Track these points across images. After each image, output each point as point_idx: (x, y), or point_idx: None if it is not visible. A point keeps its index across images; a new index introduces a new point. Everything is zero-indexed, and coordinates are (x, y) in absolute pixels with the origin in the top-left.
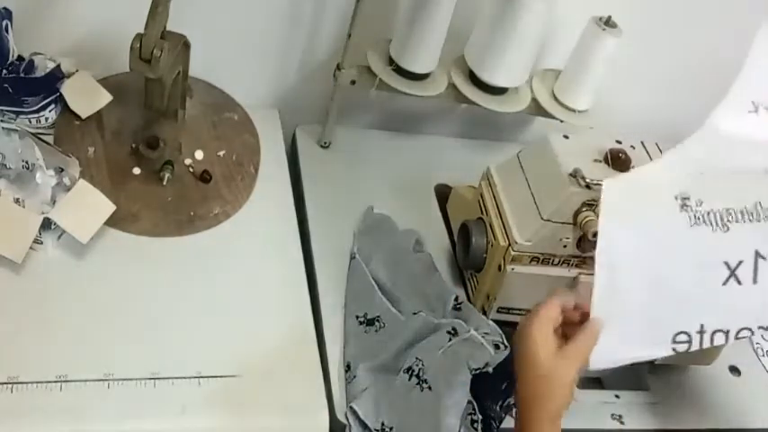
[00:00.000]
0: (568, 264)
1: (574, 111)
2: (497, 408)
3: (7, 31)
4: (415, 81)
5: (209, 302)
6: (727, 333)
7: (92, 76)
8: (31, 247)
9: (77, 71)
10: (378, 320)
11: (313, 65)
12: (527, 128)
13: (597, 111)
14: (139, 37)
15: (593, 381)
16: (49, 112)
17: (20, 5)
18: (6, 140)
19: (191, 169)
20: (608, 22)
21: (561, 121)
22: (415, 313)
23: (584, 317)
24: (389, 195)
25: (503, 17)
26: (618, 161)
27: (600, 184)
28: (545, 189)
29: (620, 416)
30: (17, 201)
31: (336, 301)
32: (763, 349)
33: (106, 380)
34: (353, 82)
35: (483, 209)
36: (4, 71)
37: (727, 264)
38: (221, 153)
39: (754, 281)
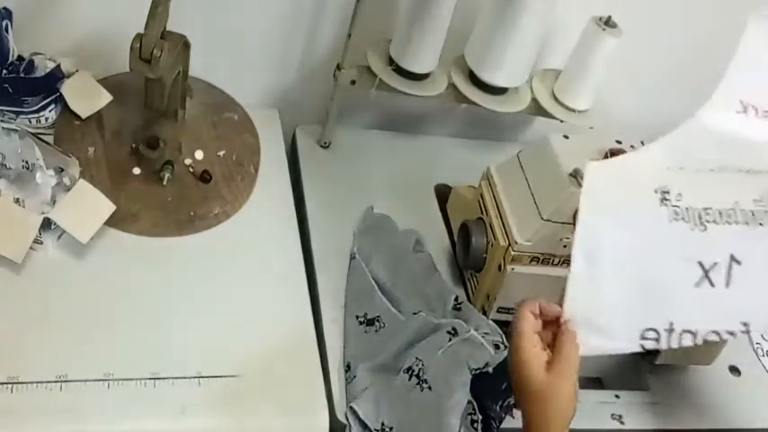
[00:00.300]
0: (568, 264)
1: (574, 111)
2: (497, 408)
3: (7, 31)
4: (415, 81)
5: (209, 302)
6: (695, 334)
7: (92, 76)
8: (31, 247)
9: (77, 71)
10: (378, 320)
11: (313, 65)
12: (527, 128)
13: (597, 111)
14: (139, 37)
15: (594, 381)
16: (49, 112)
17: (20, 5)
18: (6, 140)
19: (191, 169)
20: (608, 22)
21: (561, 121)
22: (415, 313)
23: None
24: (389, 195)
25: (503, 17)
26: None
27: None
28: (545, 189)
29: (620, 416)
30: (17, 201)
31: (336, 301)
32: (763, 349)
33: (106, 380)
34: (353, 82)
35: (483, 209)
36: (4, 71)
37: (701, 264)
38: (221, 153)
39: (727, 285)
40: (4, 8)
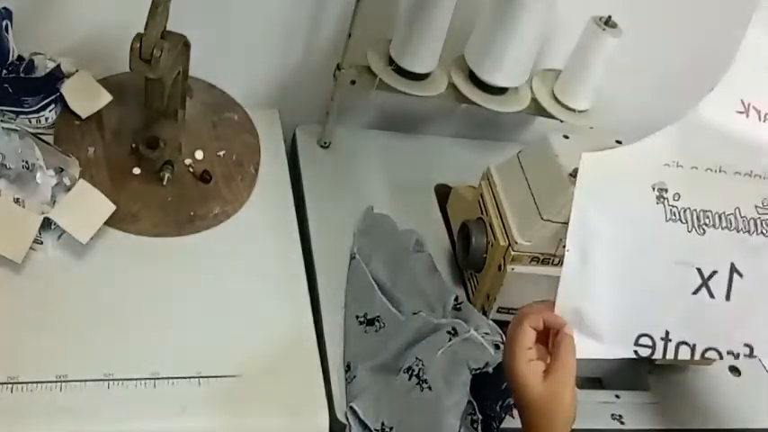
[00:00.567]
0: None
1: (574, 111)
2: (497, 408)
3: (7, 31)
4: (415, 81)
5: (209, 302)
6: (693, 348)
7: (92, 76)
8: (31, 247)
9: (77, 71)
10: (378, 320)
11: (313, 65)
12: (527, 128)
13: (597, 111)
14: (139, 37)
15: (594, 381)
16: (49, 112)
17: (20, 5)
18: (6, 140)
19: (191, 169)
20: (608, 22)
21: (561, 121)
22: (415, 313)
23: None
24: (389, 195)
25: (503, 17)
26: None
27: None
28: (545, 189)
29: (620, 416)
30: (17, 201)
31: (336, 301)
32: None
33: (106, 380)
34: (353, 82)
35: (483, 209)
36: (4, 71)
37: (700, 271)
38: (221, 153)
39: (727, 298)
40: (4, 8)
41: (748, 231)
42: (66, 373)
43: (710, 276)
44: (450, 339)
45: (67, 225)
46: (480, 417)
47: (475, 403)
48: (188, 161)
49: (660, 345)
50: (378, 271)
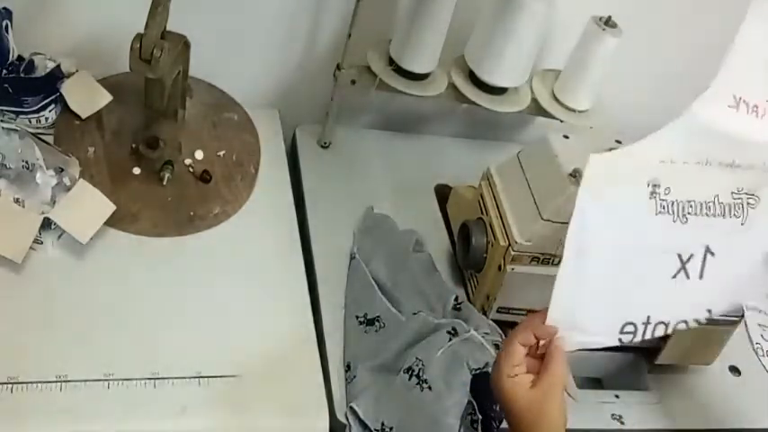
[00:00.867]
0: None
1: (574, 111)
2: (497, 408)
3: (7, 31)
4: (415, 81)
5: (209, 302)
6: (667, 325)
7: (92, 76)
8: (31, 247)
9: (77, 71)
10: (378, 320)
11: (313, 65)
12: (527, 128)
13: (597, 111)
14: (139, 37)
15: (594, 381)
16: (49, 112)
17: (20, 5)
18: (6, 140)
19: (191, 169)
20: (608, 22)
21: (561, 121)
22: (415, 313)
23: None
24: (389, 195)
25: (503, 17)
26: None
27: None
28: (545, 189)
29: (620, 416)
30: (17, 201)
31: (336, 301)
32: (763, 349)
33: (106, 380)
34: (353, 82)
35: (483, 209)
36: (4, 71)
37: (680, 256)
38: (221, 153)
39: (701, 276)
40: (4, 8)
41: (723, 215)
42: (66, 373)
43: (688, 260)
44: (450, 339)
45: (67, 225)
46: (480, 417)
47: (475, 403)
48: (188, 161)
49: (641, 329)
50: (378, 271)
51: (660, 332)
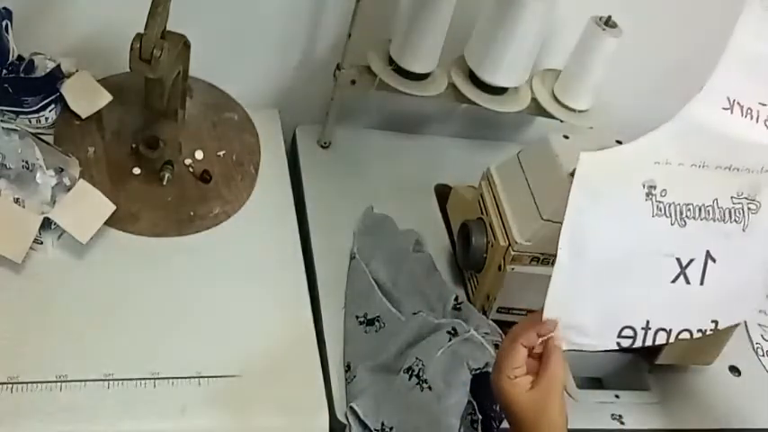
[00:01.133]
0: None
1: (574, 111)
2: (497, 408)
3: (7, 31)
4: (415, 81)
5: (209, 302)
6: (669, 332)
7: (92, 76)
8: (31, 247)
9: (77, 71)
10: (378, 320)
11: (313, 65)
12: (527, 128)
13: (597, 111)
14: (139, 37)
15: (594, 381)
16: (49, 112)
17: (20, 5)
18: (6, 140)
19: (191, 169)
20: (608, 22)
21: (561, 121)
22: (414, 313)
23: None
24: (389, 195)
25: (503, 17)
26: None
27: None
28: (545, 189)
29: (620, 416)
30: (17, 201)
31: (336, 301)
32: (763, 349)
33: (106, 380)
34: (353, 82)
35: (483, 209)
36: (4, 71)
37: (679, 261)
38: (221, 153)
39: (701, 282)
40: (4, 8)
41: (723, 220)
42: (66, 373)
43: (688, 264)
44: (450, 339)
45: (67, 225)
46: (480, 417)
47: (475, 403)
48: (188, 161)
49: (641, 334)
50: (378, 271)
51: (662, 339)
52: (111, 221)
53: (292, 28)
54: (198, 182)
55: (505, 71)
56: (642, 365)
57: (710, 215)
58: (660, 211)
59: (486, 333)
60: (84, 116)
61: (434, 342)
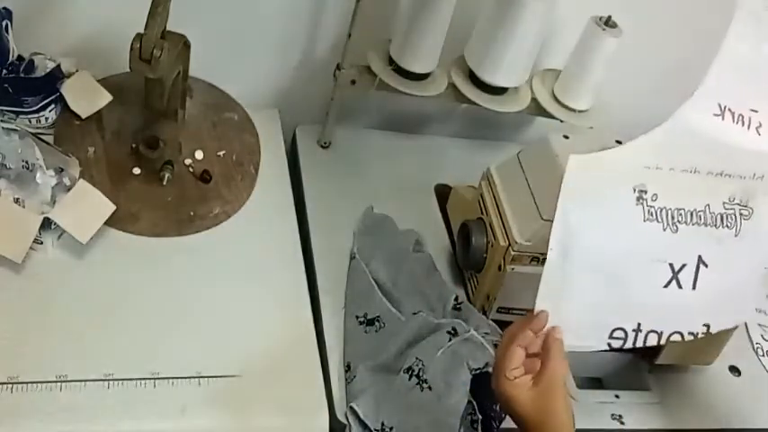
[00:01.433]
0: None
1: (574, 111)
2: (497, 408)
3: (7, 31)
4: (415, 81)
5: (209, 302)
6: (660, 334)
7: (92, 76)
8: (31, 247)
9: (77, 71)
10: (378, 320)
11: (313, 65)
12: (527, 128)
13: (597, 111)
14: (139, 37)
15: (594, 381)
16: (49, 112)
17: (20, 5)
18: (6, 140)
19: (191, 169)
20: (608, 22)
21: (561, 121)
22: (414, 313)
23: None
24: (389, 195)
25: (503, 17)
26: None
27: None
28: (545, 189)
29: (620, 416)
30: (17, 201)
31: (336, 301)
32: (763, 349)
33: (106, 380)
34: (353, 82)
35: (483, 209)
36: (4, 71)
37: (671, 266)
38: (221, 153)
39: (693, 287)
40: (4, 8)
41: (715, 225)
42: (66, 373)
43: (680, 269)
44: (450, 339)
45: (67, 225)
46: (480, 417)
47: (475, 403)
48: (188, 161)
49: (631, 336)
50: (378, 271)
51: (653, 341)
52: (111, 221)
53: (292, 28)
54: (198, 182)
55: (505, 71)
56: (642, 365)
57: (702, 220)
58: (651, 215)
59: (486, 333)
60: (84, 116)
61: (434, 342)
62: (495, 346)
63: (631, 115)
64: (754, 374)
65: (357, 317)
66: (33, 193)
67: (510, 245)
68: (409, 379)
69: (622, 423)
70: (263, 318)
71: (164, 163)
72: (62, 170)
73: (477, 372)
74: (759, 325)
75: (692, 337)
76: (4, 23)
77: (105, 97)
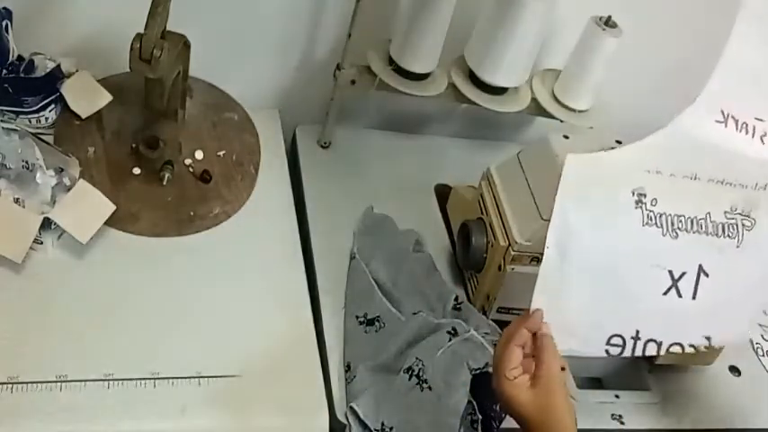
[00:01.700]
0: None
1: (574, 111)
2: (497, 408)
3: (7, 31)
4: (415, 81)
5: (209, 302)
6: (659, 344)
7: (92, 76)
8: (31, 247)
9: (77, 71)
10: (378, 320)
11: (313, 65)
12: (527, 128)
13: (597, 111)
14: (139, 37)
15: (594, 381)
16: (49, 112)
17: (20, 5)
18: (6, 140)
19: (191, 169)
20: (608, 22)
21: (561, 121)
22: (414, 313)
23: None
24: (389, 195)
25: (503, 17)
26: None
27: None
28: (545, 189)
29: (620, 416)
30: (17, 201)
31: (336, 301)
32: (763, 349)
33: (106, 380)
34: (353, 82)
35: (483, 209)
36: (4, 71)
37: (671, 273)
38: (221, 153)
39: (694, 296)
40: (4, 8)
41: (716, 235)
42: (66, 373)
43: (680, 277)
44: (450, 339)
45: (67, 225)
46: (480, 417)
47: (475, 403)
48: (188, 161)
49: (630, 343)
50: (378, 271)
51: (652, 350)
52: (111, 221)
53: (292, 28)
54: (198, 182)
55: (505, 71)
56: (642, 365)
57: (703, 228)
58: (651, 220)
59: (486, 333)
60: (84, 116)
61: (434, 342)
62: (495, 345)
63: (631, 115)
64: (754, 374)
65: (357, 317)
66: (33, 193)
67: (510, 245)
68: (409, 379)
69: (622, 423)
70: (263, 318)
71: (164, 163)
72: (62, 170)
73: (477, 372)
74: (759, 325)
75: (692, 349)
76: (4, 23)
77: (105, 97)
